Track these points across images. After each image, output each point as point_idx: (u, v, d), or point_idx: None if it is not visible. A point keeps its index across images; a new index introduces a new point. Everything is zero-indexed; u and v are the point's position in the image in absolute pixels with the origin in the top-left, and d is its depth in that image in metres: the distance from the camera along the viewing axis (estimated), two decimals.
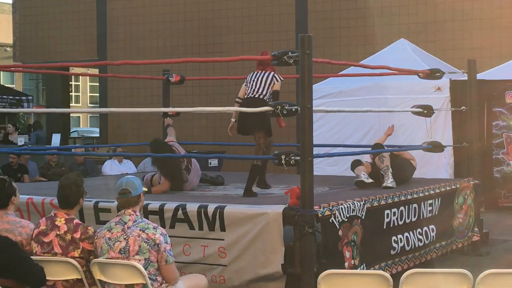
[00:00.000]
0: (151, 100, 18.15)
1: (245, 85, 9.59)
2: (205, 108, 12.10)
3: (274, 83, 9.45)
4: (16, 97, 21.92)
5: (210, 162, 15.66)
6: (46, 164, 15.02)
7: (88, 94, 40.56)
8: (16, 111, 20.49)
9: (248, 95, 9.49)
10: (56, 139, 16.94)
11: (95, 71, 22.93)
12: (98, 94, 21.98)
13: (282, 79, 9.57)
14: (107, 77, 19.34)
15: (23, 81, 35.75)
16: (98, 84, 23.79)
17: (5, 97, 21.22)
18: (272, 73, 9.49)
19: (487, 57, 15.78)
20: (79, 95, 40.59)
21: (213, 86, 18.37)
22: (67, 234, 5.99)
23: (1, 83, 26.21)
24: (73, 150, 13.80)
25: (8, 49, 32.33)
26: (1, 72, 33.69)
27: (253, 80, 9.51)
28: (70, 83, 25.59)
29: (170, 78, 12.06)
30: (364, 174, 9.70)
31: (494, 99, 13.75)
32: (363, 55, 15.30)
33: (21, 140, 18.24)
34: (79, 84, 38.69)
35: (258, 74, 9.54)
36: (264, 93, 9.40)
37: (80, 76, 38.16)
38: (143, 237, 5.84)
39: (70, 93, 23.28)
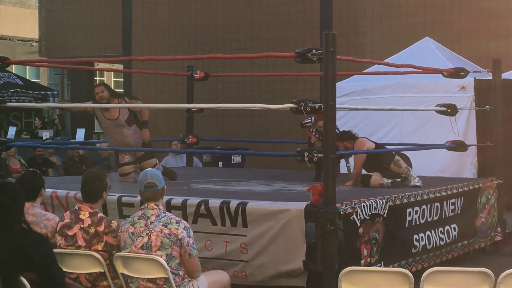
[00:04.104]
0: (175, 96, 18.21)
1: None
2: (229, 105, 12.16)
3: None
4: (42, 92, 22.04)
5: (233, 159, 15.71)
6: (70, 159, 15.13)
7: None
8: (42, 106, 20.58)
9: None
10: (80, 134, 17.03)
11: (120, 67, 23.03)
12: (122, 90, 22.04)
13: None
14: (131, 73, 19.42)
15: (48, 76, 35.91)
16: (122, 80, 23.86)
17: (31, 92, 21.35)
18: None
19: None
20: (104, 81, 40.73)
21: (237, 82, 18.39)
22: (91, 227, 6.04)
23: (27, 78, 26.32)
24: (97, 145, 13.87)
25: (34, 44, 32.52)
26: (27, 67, 33.87)
27: None
28: (95, 78, 25.65)
29: (194, 75, 12.14)
30: (386, 180, 9.72)
31: None
32: (388, 53, 15.25)
33: (45, 134, 18.34)
34: (103, 80, 38.80)
35: None
36: None
37: (105, 72, 38.27)
38: (166, 233, 5.87)
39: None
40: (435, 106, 10.51)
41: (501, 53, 15.23)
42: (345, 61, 8.72)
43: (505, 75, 11.78)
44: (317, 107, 7.94)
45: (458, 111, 10.42)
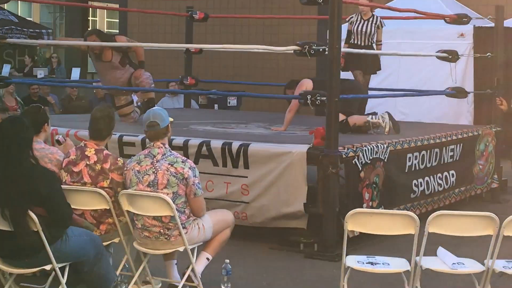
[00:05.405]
0: (171, 37, 18.06)
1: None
2: (232, 46, 12.05)
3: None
4: (36, 30, 21.84)
5: (229, 101, 15.67)
6: (67, 97, 15.08)
7: (105, 31, 40.46)
8: (42, 43, 20.40)
9: None
10: (75, 73, 16.93)
11: (115, 7, 22.78)
12: (116, 31, 21.83)
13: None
14: (127, 13, 19.22)
15: (41, 14, 35.59)
16: (116, 20, 23.65)
17: (25, 29, 21.16)
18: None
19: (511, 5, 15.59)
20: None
21: (233, 25, 18.25)
22: (97, 164, 6.03)
23: (19, 15, 26.06)
24: (94, 84, 13.81)
25: None
26: (19, 3, 33.49)
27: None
28: (89, 18, 25.42)
29: (194, 15, 12.05)
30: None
31: None
32: None
33: (40, 73, 18.22)
34: (96, 20, 38.50)
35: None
36: None
37: (98, 13, 37.95)
38: (172, 171, 5.87)
39: (88, 29, 23.19)
40: (436, 52, 10.47)
41: (500, 1, 15.15)
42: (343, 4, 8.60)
43: (505, 23, 11.72)
44: (321, 49, 7.93)
45: (460, 58, 10.39)
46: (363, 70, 10.38)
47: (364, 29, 10.31)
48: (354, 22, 10.40)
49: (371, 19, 10.35)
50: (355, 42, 10.39)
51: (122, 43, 9.72)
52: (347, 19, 10.52)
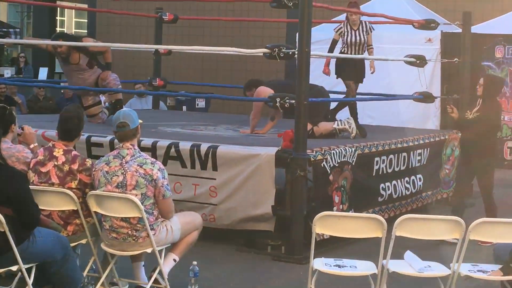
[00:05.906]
0: (139, 38, 18.03)
1: None
2: (197, 47, 12.02)
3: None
4: (4, 29, 21.68)
5: (197, 103, 15.66)
6: (34, 97, 14.96)
7: (73, 30, 40.22)
8: (5, 42, 20.23)
9: None
10: (43, 73, 16.84)
11: (84, 7, 22.66)
12: (85, 31, 21.72)
13: None
14: (96, 13, 19.14)
15: (8, 14, 35.31)
16: (84, 20, 23.52)
17: None
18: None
19: (478, 12, 15.73)
20: (63, 31, 39.71)
21: (203, 27, 18.26)
22: (65, 165, 6.00)
23: None
24: (61, 84, 13.73)
25: None
26: None
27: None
28: (56, 18, 25.26)
29: (163, 17, 12.04)
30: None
31: (484, 52, 13.80)
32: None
33: (7, 72, 18.08)
34: (64, 20, 38.26)
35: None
36: None
37: (66, 12, 37.73)
38: (141, 173, 5.85)
39: (56, 29, 23.08)
40: (404, 57, 10.54)
41: (468, 7, 15.28)
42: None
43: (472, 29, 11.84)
44: (291, 53, 7.96)
45: (427, 62, 10.47)
46: (355, 80, 10.42)
47: (356, 40, 10.20)
48: (344, 33, 10.28)
49: (360, 27, 10.24)
50: (348, 53, 10.31)
51: (90, 43, 9.69)
52: (334, 29, 10.43)
